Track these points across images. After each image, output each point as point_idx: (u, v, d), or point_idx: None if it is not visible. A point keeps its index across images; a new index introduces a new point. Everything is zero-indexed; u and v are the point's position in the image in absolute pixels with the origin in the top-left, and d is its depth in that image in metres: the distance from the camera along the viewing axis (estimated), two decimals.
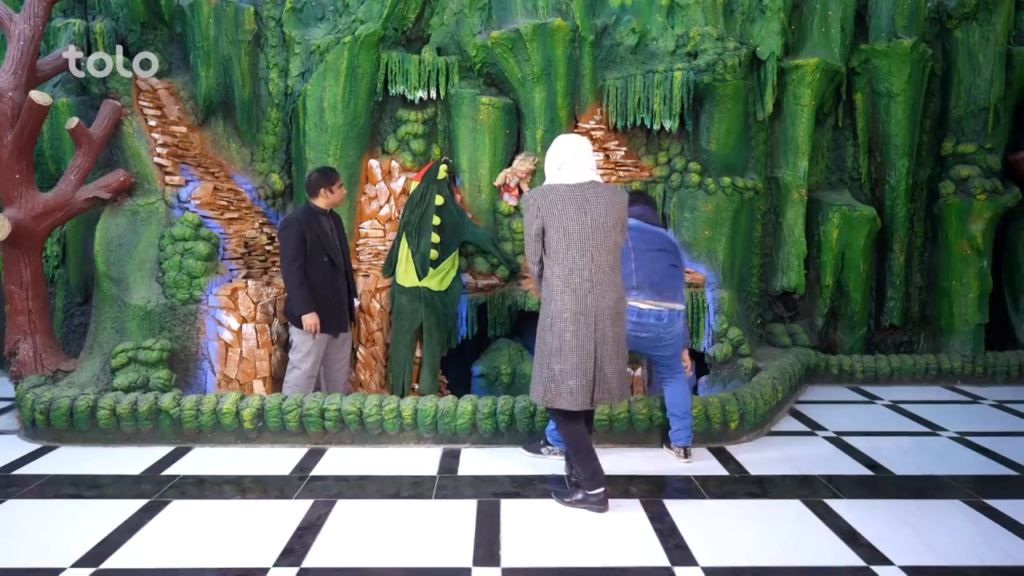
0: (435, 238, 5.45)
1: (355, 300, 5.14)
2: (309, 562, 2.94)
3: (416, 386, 5.45)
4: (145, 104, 5.41)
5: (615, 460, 4.12)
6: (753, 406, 4.52)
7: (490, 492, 3.68)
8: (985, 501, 3.60)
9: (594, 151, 5.84)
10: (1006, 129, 6.43)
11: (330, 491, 3.70)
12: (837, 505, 3.53)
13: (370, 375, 5.61)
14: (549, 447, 4.13)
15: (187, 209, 5.30)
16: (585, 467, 3.43)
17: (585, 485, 3.43)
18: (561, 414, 3.43)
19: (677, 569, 2.90)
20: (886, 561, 2.97)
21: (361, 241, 5.78)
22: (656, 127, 5.73)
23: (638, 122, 5.76)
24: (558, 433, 3.55)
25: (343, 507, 3.50)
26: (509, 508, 3.48)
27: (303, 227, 4.64)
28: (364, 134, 5.70)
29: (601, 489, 3.40)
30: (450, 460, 4.17)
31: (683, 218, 5.73)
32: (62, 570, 2.88)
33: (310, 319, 4.61)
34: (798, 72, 5.92)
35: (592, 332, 3.29)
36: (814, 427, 4.86)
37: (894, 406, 5.44)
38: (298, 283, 4.60)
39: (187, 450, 4.32)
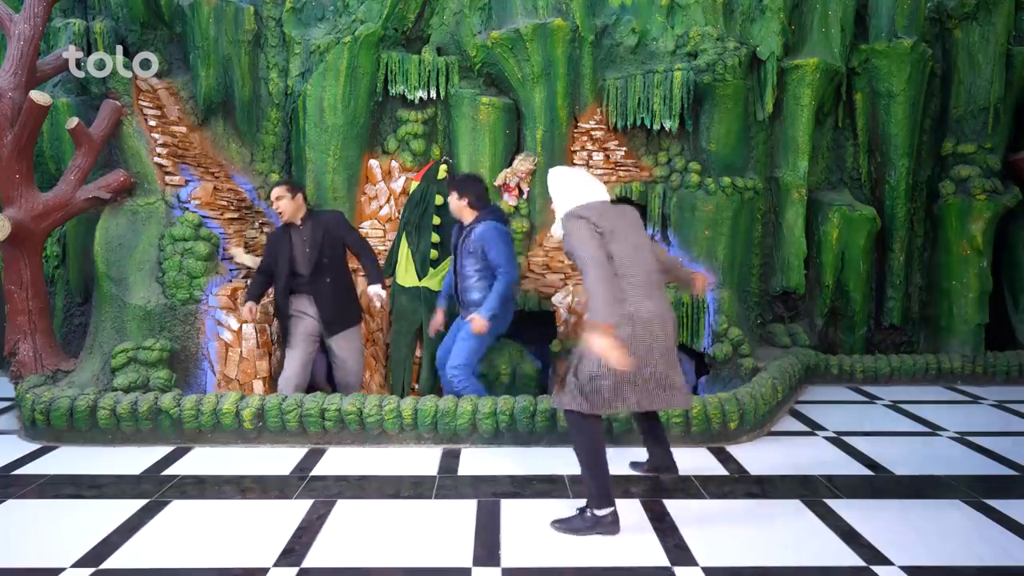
0: (435, 238, 5.45)
1: (376, 289, 4.88)
2: (309, 562, 2.94)
3: (416, 386, 5.45)
4: (145, 104, 5.41)
5: (615, 460, 4.11)
6: (753, 406, 4.52)
7: (490, 492, 3.68)
8: (985, 501, 3.60)
9: (594, 151, 5.88)
10: (1006, 129, 6.43)
11: (330, 491, 3.70)
12: (837, 505, 3.53)
13: (370, 375, 5.61)
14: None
15: (187, 209, 5.30)
16: (600, 481, 3.19)
17: (594, 503, 3.17)
18: (585, 422, 3.21)
19: (677, 569, 2.90)
20: (886, 561, 2.97)
21: None
22: (656, 127, 5.73)
23: (638, 122, 5.76)
24: (581, 441, 3.27)
25: (343, 507, 3.50)
26: (509, 508, 3.49)
27: (269, 242, 4.94)
28: (364, 134, 5.70)
29: (612, 508, 3.18)
30: (450, 460, 4.17)
31: (683, 218, 5.73)
32: (62, 570, 2.88)
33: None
34: (798, 72, 5.92)
35: (656, 338, 3.20)
36: (814, 427, 4.86)
37: (894, 406, 5.44)
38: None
39: (187, 450, 4.32)
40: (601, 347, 2.98)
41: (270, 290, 5.21)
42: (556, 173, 3.51)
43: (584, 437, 3.23)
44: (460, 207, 4.75)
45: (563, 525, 3.25)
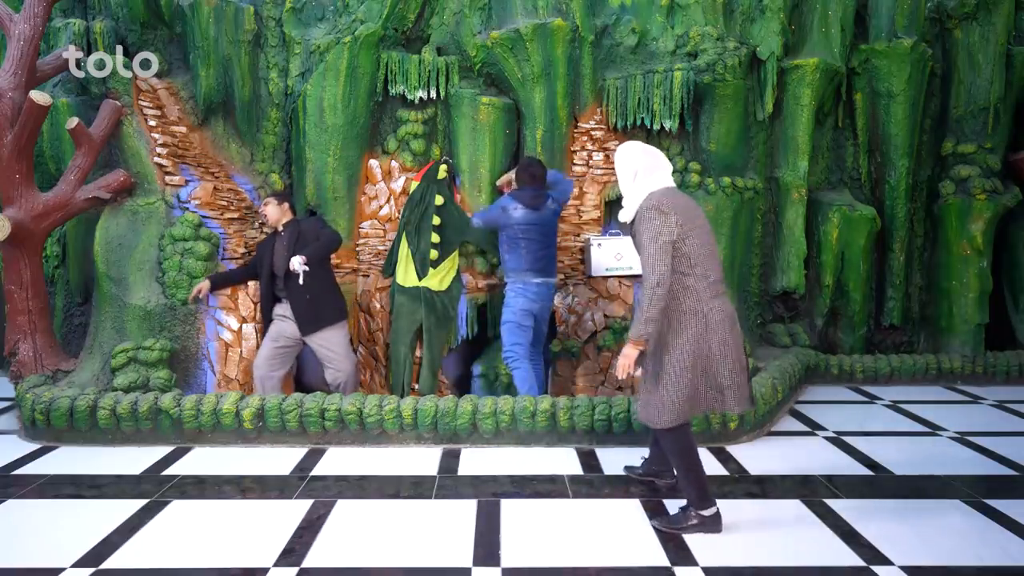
0: (435, 238, 5.45)
1: (296, 260, 4.86)
2: (309, 562, 2.94)
3: (416, 386, 5.45)
4: (145, 104, 5.41)
5: (615, 460, 4.13)
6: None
7: (490, 492, 3.69)
8: (985, 501, 3.60)
9: (594, 151, 5.87)
10: (1006, 129, 6.43)
11: (330, 491, 3.70)
12: (837, 505, 3.53)
13: (370, 375, 5.61)
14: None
15: (187, 209, 5.30)
16: (699, 484, 3.20)
17: (699, 504, 3.18)
18: (684, 429, 3.21)
19: (677, 569, 2.90)
20: (886, 561, 2.97)
21: (361, 241, 5.78)
22: (656, 127, 5.73)
23: (638, 122, 5.75)
24: (677, 450, 3.22)
25: (343, 507, 3.50)
26: (509, 508, 3.49)
27: (258, 247, 5.23)
28: (364, 134, 5.70)
29: (716, 507, 3.20)
30: (450, 460, 4.17)
31: None
32: (62, 570, 2.88)
33: None
34: (798, 72, 5.92)
35: (737, 334, 3.21)
36: (814, 427, 4.86)
37: (894, 406, 5.44)
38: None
39: (187, 450, 4.32)
40: (627, 356, 3.12)
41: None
42: (626, 151, 3.33)
43: (680, 446, 3.22)
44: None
45: (668, 523, 3.23)
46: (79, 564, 2.92)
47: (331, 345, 4.97)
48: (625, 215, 3.32)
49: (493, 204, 5.14)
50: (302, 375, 5.48)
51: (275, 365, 4.94)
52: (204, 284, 4.96)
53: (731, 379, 3.17)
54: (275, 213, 5.10)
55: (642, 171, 3.25)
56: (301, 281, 4.81)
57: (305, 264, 4.79)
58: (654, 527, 3.25)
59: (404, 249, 5.49)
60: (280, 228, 5.09)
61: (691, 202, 3.26)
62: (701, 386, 3.16)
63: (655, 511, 3.43)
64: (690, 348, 3.11)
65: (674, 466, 3.30)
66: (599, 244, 5.54)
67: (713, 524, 3.18)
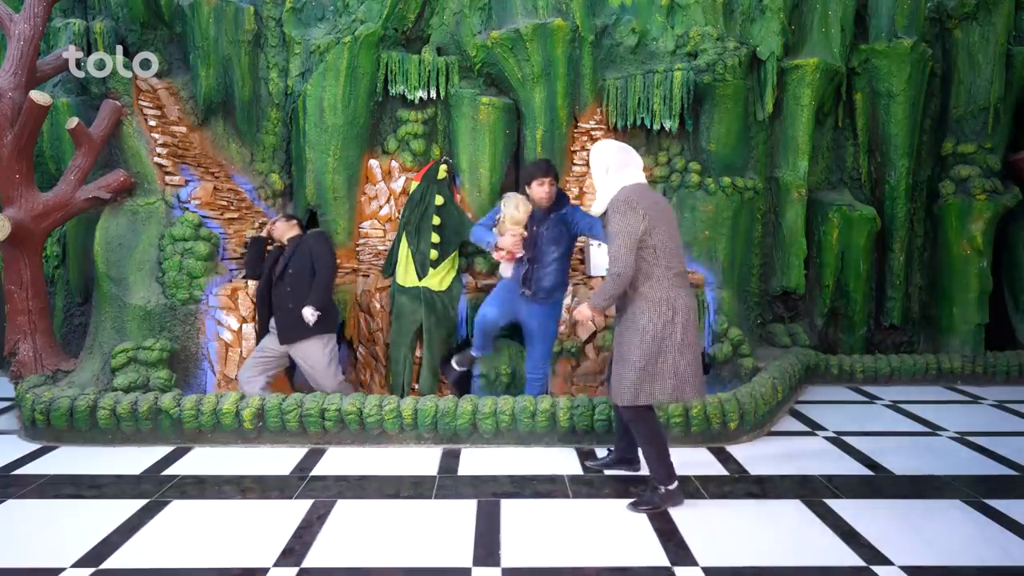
0: (435, 238, 5.44)
1: (307, 312, 4.87)
2: (309, 562, 2.94)
3: (416, 386, 5.45)
4: (145, 104, 5.41)
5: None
6: (753, 406, 4.52)
7: (490, 492, 3.69)
8: (985, 501, 3.60)
9: None
10: (1006, 129, 6.43)
11: (330, 491, 3.70)
12: (837, 505, 3.53)
13: (370, 375, 5.61)
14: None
15: (187, 209, 5.30)
16: (667, 463, 3.47)
17: (665, 482, 3.45)
18: (649, 412, 3.49)
19: (677, 569, 2.90)
20: (886, 561, 2.97)
21: (361, 241, 5.78)
22: (656, 127, 5.74)
23: (638, 122, 5.76)
24: (643, 429, 3.51)
25: (343, 507, 3.50)
26: (509, 508, 3.49)
27: (266, 259, 5.26)
28: (364, 134, 5.70)
29: (677, 482, 3.48)
30: (450, 460, 4.17)
31: (683, 218, 5.73)
32: (62, 570, 2.88)
33: None
34: (798, 72, 5.92)
35: (689, 329, 3.42)
36: (814, 427, 4.86)
37: (894, 406, 5.44)
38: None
39: (187, 450, 4.33)
40: (582, 314, 3.60)
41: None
42: (601, 148, 3.56)
43: (646, 425, 3.49)
44: (551, 193, 4.70)
45: (641, 505, 3.46)
46: (79, 564, 2.92)
47: (312, 361, 4.88)
48: (597, 207, 3.57)
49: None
50: (297, 380, 5.48)
51: (254, 372, 4.91)
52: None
53: (691, 370, 3.40)
54: (281, 228, 5.16)
55: (613, 167, 3.48)
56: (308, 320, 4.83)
57: (315, 312, 4.79)
58: (631, 510, 3.44)
59: (404, 249, 5.49)
60: (285, 242, 5.12)
61: (660, 198, 3.52)
62: (663, 370, 3.37)
63: (655, 511, 3.43)
64: (655, 333, 3.36)
65: (643, 450, 3.54)
66: (599, 244, 5.54)
67: (678, 496, 3.47)
